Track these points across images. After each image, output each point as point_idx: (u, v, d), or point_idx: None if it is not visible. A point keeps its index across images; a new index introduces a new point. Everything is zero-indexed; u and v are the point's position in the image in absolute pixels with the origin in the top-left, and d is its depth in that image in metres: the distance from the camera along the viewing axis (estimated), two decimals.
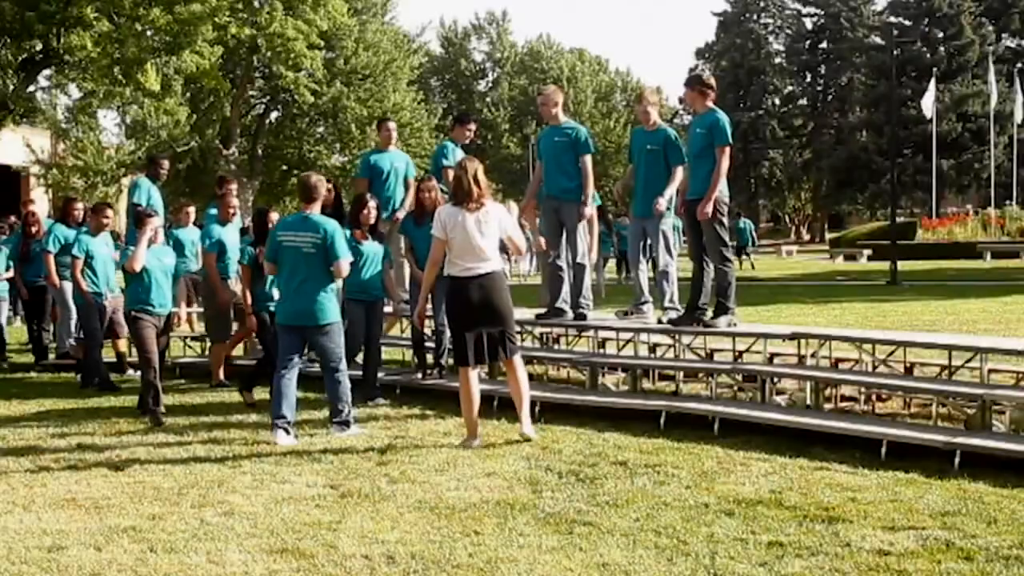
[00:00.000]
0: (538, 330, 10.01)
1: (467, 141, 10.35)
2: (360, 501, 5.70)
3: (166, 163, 12.20)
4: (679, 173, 8.76)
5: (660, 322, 8.94)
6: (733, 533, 4.97)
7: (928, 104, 40.88)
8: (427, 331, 9.43)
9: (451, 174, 9.54)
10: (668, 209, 8.95)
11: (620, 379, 8.97)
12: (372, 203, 8.91)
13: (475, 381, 7.06)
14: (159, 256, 8.64)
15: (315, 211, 7.54)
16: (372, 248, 8.82)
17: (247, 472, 6.46)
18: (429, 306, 8.56)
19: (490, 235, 6.95)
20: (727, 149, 8.23)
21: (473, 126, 10.55)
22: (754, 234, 34.13)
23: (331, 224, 7.45)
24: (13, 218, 14.34)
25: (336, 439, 7.33)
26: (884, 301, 17.46)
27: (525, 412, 7.16)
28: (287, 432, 7.30)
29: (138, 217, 8.71)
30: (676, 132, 9.29)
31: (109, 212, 10.61)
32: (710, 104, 8.38)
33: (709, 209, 8.16)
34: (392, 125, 10.43)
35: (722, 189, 8.28)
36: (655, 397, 8.33)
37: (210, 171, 38.47)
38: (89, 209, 10.97)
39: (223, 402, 9.18)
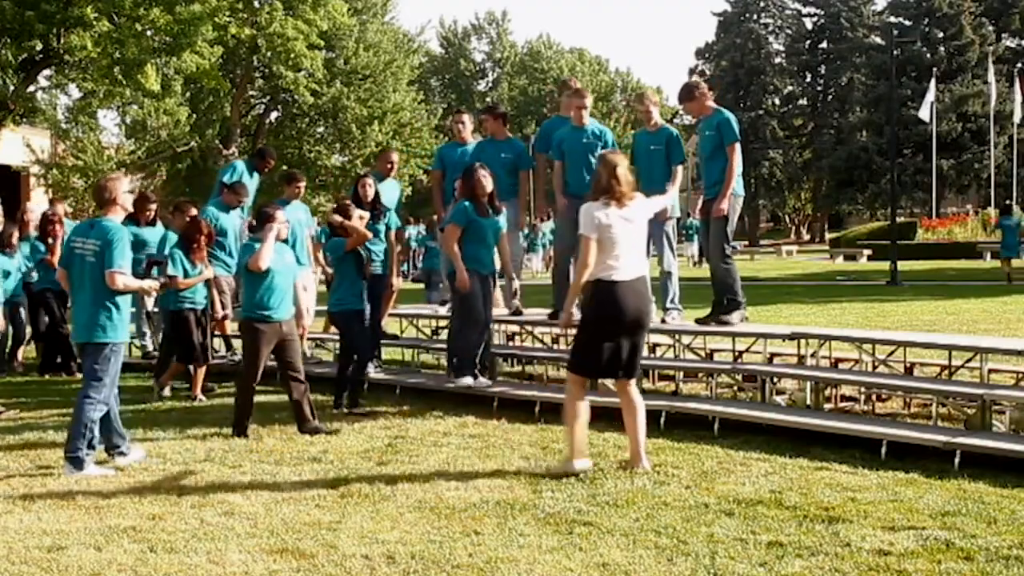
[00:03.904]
0: (538, 330, 10.00)
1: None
2: (360, 501, 5.70)
3: (272, 161, 11.65)
4: (679, 172, 8.95)
5: (663, 322, 8.95)
6: (733, 533, 4.97)
7: (925, 109, 40.91)
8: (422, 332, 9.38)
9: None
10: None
11: None
12: (483, 171, 8.41)
13: (585, 397, 6.39)
14: (280, 254, 7.88)
15: (110, 216, 6.69)
16: (491, 222, 8.42)
17: (247, 472, 6.46)
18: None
19: (640, 232, 6.35)
20: (737, 146, 8.44)
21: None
22: None
23: (114, 231, 6.58)
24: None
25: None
26: (884, 301, 17.45)
27: (643, 443, 6.37)
28: (83, 463, 6.52)
29: (262, 215, 7.96)
30: (678, 132, 9.35)
31: (193, 210, 10.12)
32: (713, 105, 8.50)
33: (725, 206, 8.34)
34: (465, 118, 10.13)
35: (737, 186, 8.47)
36: (655, 397, 8.32)
37: (210, 171, 38.44)
38: (173, 208, 10.58)
39: (223, 403, 9.16)
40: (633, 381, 6.41)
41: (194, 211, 10.08)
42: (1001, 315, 14.21)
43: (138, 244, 10.60)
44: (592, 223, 6.18)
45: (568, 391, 6.41)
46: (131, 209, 8.30)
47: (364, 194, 9.55)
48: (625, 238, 6.21)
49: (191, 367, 9.49)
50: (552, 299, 9.87)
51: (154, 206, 10.96)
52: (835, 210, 63.96)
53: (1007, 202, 30.22)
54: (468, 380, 8.46)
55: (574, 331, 6.69)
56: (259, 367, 7.70)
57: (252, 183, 11.07)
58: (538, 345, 10.11)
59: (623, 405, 6.39)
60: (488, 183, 8.37)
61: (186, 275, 9.14)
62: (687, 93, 8.65)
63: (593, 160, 8.87)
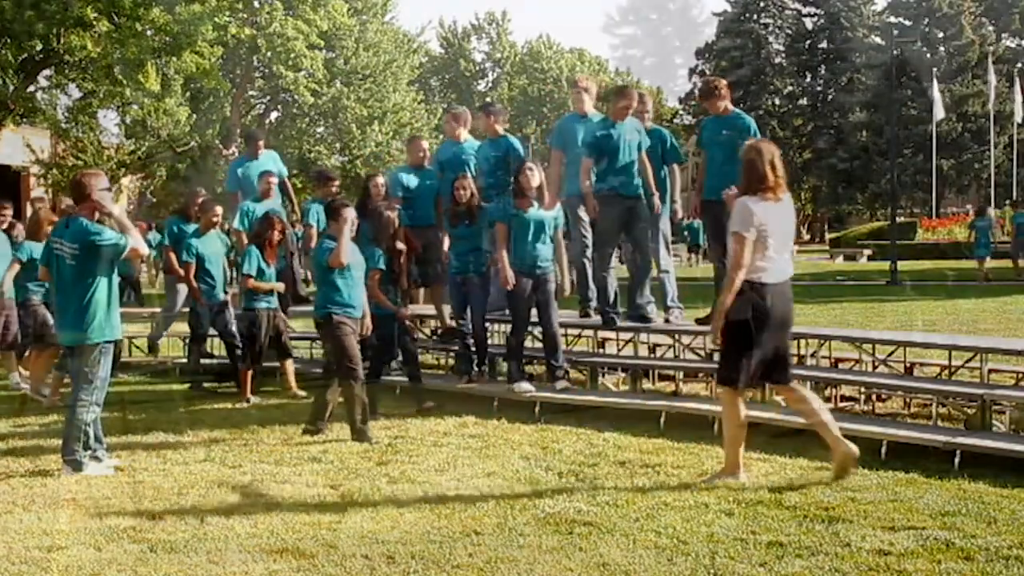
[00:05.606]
0: (538, 330, 9.97)
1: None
2: (360, 501, 5.70)
3: (261, 139, 11.45)
4: (678, 172, 8.95)
5: (667, 321, 8.94)
6: (733, 533, 4.97)
7: (939, 107, 41.01)
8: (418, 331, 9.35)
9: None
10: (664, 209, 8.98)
11: (620, 379, 8.96)
12: (529, 164, 8.28)
13: (743, 405, 6.03)
14: (354, 251, 7.71)
15: (85, 213, 6.56)
16: (537, 215, 8.18)
17: (247, 472, 6.46)
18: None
19: (791, 231, 6.04)
20: None
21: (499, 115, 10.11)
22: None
23: (90, 232, 6.47)
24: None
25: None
26: (884, 301, 17.45)
27: (836, 432, 5.93)
28: (81, 464, 6.49)
29: (332, 209, 7.77)
30: (669, 133, 9.37)
31: (218, 209, 9.99)
32: (732, 107, 8.51)
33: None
34: (455, 117, 9.86)
35: None
36: (655, 397, 8.33)
37: (210, 171, 38.46)
38: (198, 206, 10.45)
39: (223, 404, 9.17)
40: (794, 383, 6.15)
41: (219, 208, 10.05)
42: (1001, 315, 14.21)
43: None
44: (750, 220, 5.74)
45: (724, 405, 6.05)
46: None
47: (376, 194, 9.33)
48: (778, 236, 5.85)
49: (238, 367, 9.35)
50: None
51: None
52: (835, 210, 63.97)
53: (1008, 201, 30.28)
54: (525, 386, 8.29)
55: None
56: (358, 359, 7.42)
57: (258, 165, 10.91)
58: (538, 345, 10.09)
59: (793, 403, 6.12)
60: (533, 178, 8.17)
61: (261, 273, 9.03)
62: (708, 89, 8.64)
63: (636, 155, 8.71)
